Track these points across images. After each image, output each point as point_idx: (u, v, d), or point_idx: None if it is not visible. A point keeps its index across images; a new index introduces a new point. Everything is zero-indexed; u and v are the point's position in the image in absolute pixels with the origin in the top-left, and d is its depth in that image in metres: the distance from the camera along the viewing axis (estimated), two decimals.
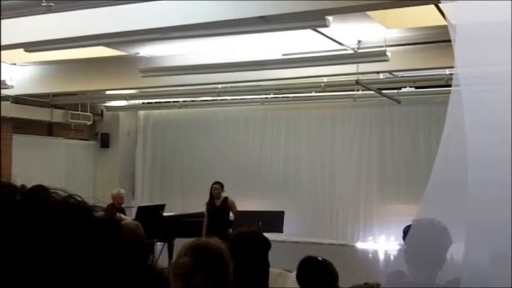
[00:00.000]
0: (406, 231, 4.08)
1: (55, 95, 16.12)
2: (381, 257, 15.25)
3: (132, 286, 0.79)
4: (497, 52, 2.35)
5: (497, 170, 2.33)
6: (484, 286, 2.31)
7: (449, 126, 2.34)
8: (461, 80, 2.32)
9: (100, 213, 0.81)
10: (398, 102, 15.00)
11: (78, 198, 0.81)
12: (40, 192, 0.79)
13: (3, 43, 7.90)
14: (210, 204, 11.67)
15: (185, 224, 12.43)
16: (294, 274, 4.50)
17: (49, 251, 0.72)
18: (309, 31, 9.53)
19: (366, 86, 13.07)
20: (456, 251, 2.93)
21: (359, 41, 10.72)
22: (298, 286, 4.23)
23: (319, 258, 4.31)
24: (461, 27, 2.31)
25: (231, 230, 10.47)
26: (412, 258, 3.19)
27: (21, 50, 10.63)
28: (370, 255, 15.48)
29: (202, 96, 17.02)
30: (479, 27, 2.36)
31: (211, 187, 11.75)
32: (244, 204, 11.70)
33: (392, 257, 14.62)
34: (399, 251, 3.38)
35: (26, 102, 15.64)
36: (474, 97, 2.34)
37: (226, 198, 11.62)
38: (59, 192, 0.80)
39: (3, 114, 14.29)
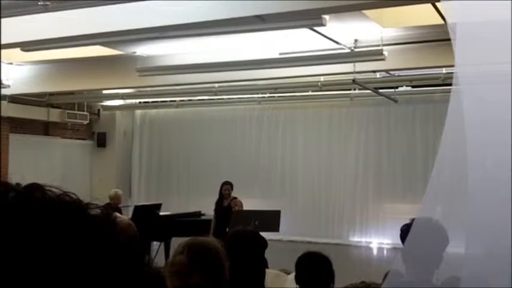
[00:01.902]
0: (403, 229, 4.08)
1: (52, 94, 16.13)
2: (377, 255, 15.27)
3: (128, 284, 0.79)
4: (497, 51, 2.35)
5: (497, 169, 2.33)
6: (484, 286, 2.31)
7: (449, 125, 2.34)
8: (461, 79, 2.32)
9: (95, 211, 0.81)
10: (395, 101, 15.00)
11: (73, 196, 0.81)
12: (35, 189, 0.79)
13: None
14: (218, 203, 11.64)
15: (182, 223, 12.43)
16: (291, 276, 4.49)
17: (42, 248, 0.72)
18: (306, 30, 9.54)
19: (362, 85, 13.07)
20: (455, 251, 2.93)
21: (356, 40, 10.72)
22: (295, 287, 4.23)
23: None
24: (461, 26, 2.31)
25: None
26: (408, 257, 3.20)
27: (18, 49, 10.63)
28: (366, 254, 15.48)
29: (199, 96, 17.03)
30: (479, 26, 2.36)
31: (222, 187, 11.71)
32: None
33: (385, 255, 14.66)
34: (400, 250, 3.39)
35: (23, 102, 15.62)
36: (474, 96, 2.34)
37: (234, 198, 11.59)
38: (54, 190, 0.80)
39: None
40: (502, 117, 2.24)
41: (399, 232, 4.45)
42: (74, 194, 0.81)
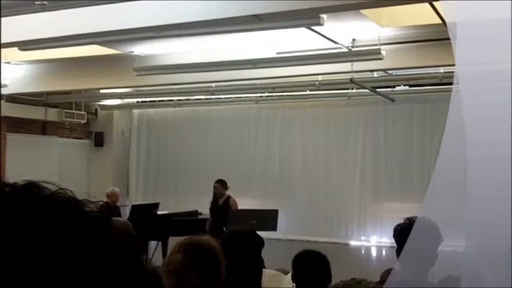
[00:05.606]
0: (396, 229, 4.08)
1: (49, 93, 16.09)
2: (375, 254, 15.28)
3: (123, 282, 0.78)
4: (497, 50, 2.35)
5: (497, 168, 2.33)
6: (484, 286, 2.31)
7: (450, 125, 2.34)
8: (461, 79, 2.32)
9: (90, 207, 0.81)
10: (393, 100, 15.02)
11: (69, 193, 0.80)
12: (30, 186, 0.78)
13: None
14: (213, 203, 11.58)
15: (179, 222, 12.41)
16: (289, 276, 4.48)
17: (36, 244, 0.71)
18: (303, 29, 9.53)
19: (360, 84, 13.08)
20: (454, 249, 2.93)
21: (353, 40, 10.72)
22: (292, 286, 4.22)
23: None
24: (461, 26, 2.31)
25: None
26: (403, 256, 3.20)
27: (15, 48, 10.61)
28: (364, 253, 15.49)
29: (196, 95, 17.02)
30: (479, 26, 2.36)
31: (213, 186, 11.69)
32: (238, 202, 11.66)
33: (384, 255, 14.67)
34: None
35: (20, 101, 15.60)
36: (474, 96, 2.34)
37: (228, 197, 11.52)
38: (50, 187, 0.79)
39: None
40: (501, 117, 2.23)
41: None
42: (70, 190, 0.81)
